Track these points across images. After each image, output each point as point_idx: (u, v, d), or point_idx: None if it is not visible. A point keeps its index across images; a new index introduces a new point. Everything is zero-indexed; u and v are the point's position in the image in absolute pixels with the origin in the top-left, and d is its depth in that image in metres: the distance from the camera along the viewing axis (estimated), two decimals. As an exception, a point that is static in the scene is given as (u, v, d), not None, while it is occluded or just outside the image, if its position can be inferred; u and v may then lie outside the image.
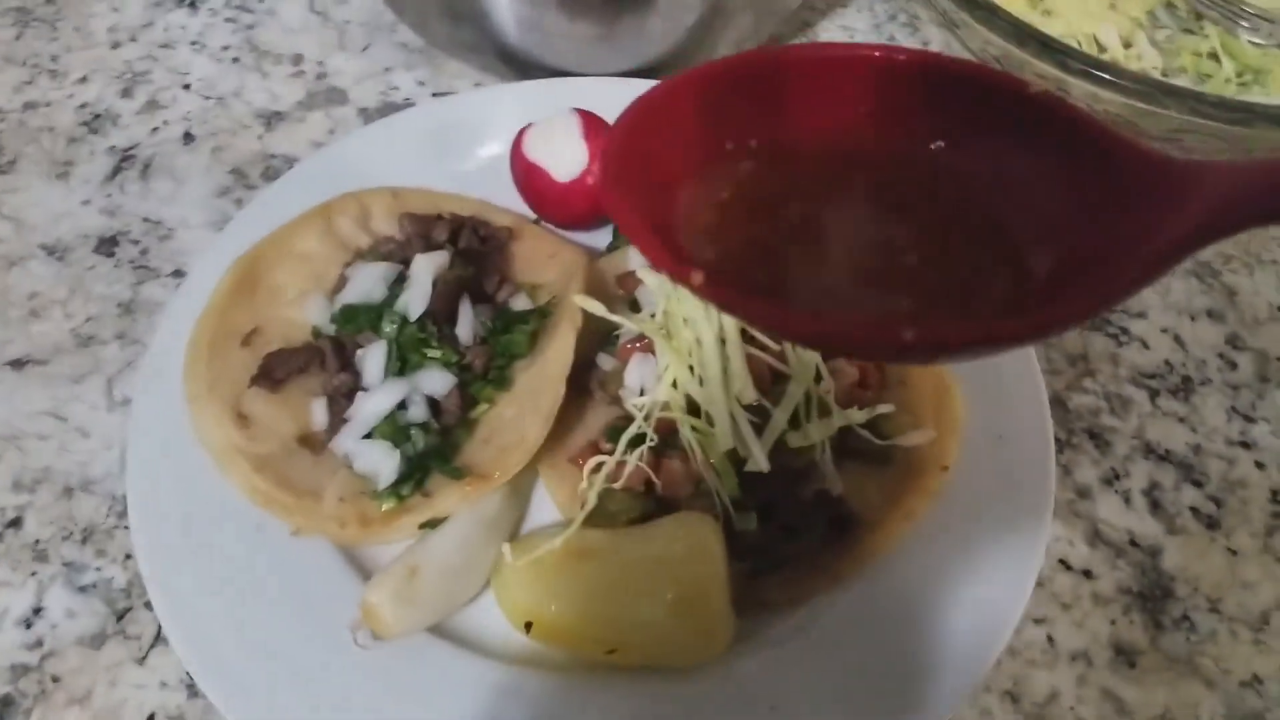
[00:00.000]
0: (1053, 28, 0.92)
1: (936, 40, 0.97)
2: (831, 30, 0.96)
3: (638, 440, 0.63)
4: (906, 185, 0.43)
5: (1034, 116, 0.41)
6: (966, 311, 0.39)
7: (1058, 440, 0.74)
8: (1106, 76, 0.81)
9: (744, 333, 0.64)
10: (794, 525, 0.63)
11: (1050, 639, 0.66)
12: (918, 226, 0.42)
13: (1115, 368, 0.78)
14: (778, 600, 0.62)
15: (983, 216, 0.41)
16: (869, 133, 0.45)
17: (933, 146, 0.44)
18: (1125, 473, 0.73)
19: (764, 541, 0.62)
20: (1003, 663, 0.64)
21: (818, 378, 0.64)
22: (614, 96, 0.79)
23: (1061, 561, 0.69)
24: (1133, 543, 0.69)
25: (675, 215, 0.43)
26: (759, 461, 0.61)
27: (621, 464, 0.62)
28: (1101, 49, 0.93)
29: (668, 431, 0.63)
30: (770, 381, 0.64)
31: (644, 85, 0.81)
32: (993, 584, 0.63)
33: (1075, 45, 0.89)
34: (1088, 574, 0.69)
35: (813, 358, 0.64)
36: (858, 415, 0.64)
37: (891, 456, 0.66)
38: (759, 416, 0.62)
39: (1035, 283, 0.39)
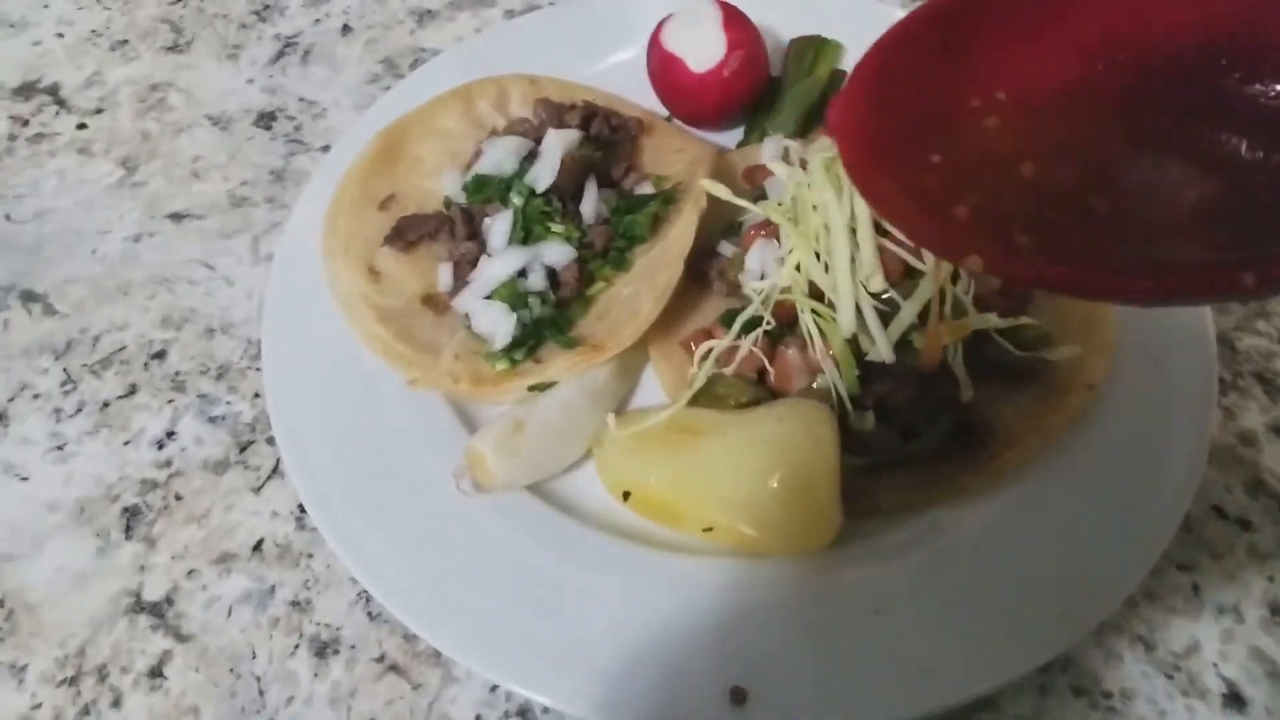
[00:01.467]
0: None
1: None
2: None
3: (754, 325, 0.59)
4: (1176, 113, 0.38)
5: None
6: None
7: (1222, 382, 0.66)
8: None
9: (877, 223, 0.60)
10: (915, 427, 0.58)
11: (1196, 587, 0.58)
12: (1203, 155, 0.37)
13: (1296, 312, 0.69)
14: (892, 506, 0.57)
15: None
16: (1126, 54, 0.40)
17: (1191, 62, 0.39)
18: (1298, 424, 0.64)
19: (880, 443, 0.58)
20: (1139, 605, 0.58)
21: (955, 277, 0.59)
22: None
23: (1215, 508, 0.61)
24: (1303, 490, 0.61)
25: (933, 179, 0.40)
26: (882, 351, 0.56)
27: (734, 349, 0.60)
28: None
29: (787, 318, 0.60)
30: (903, 274, 0.59)
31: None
32: (1132, 519, 0.56)
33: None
34: (1245, 524, 0.61)
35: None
36: (995, 320, 0.58)
37: (1033, 370, 0.60)
38: (888, 309, 0.57)
39: None
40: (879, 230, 0.60)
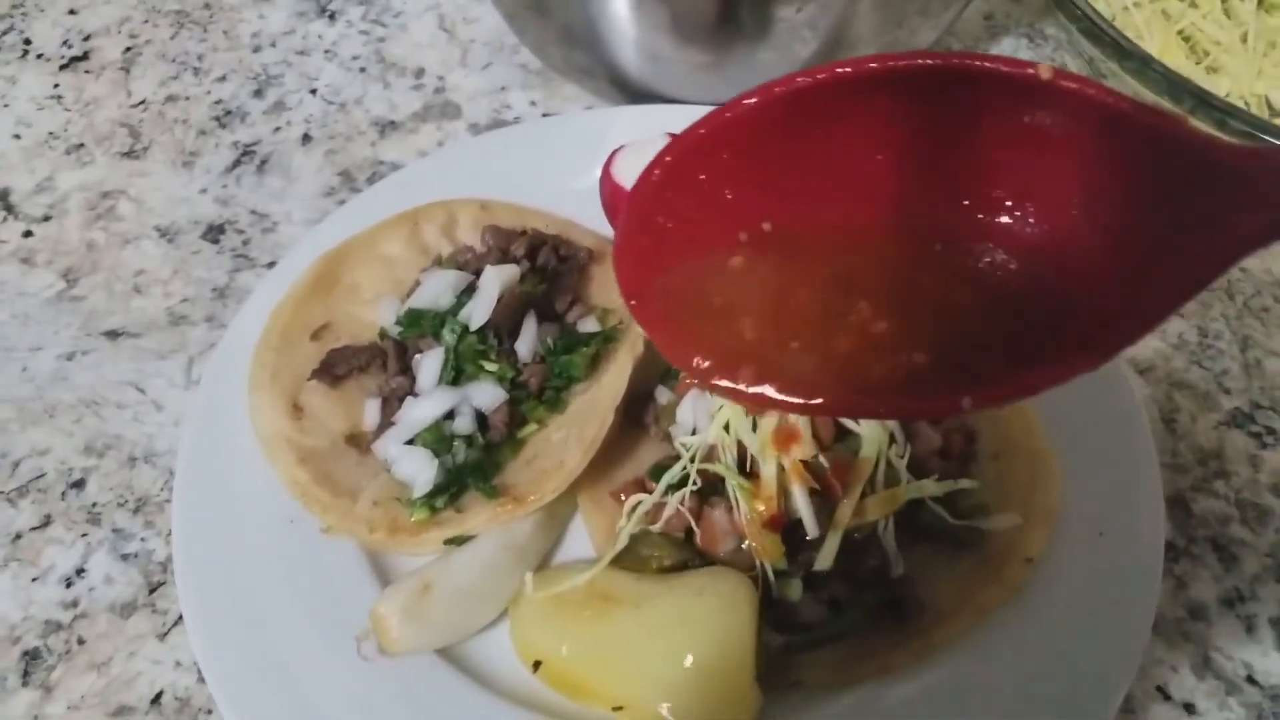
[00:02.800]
0: (1218, 85, 0.82)
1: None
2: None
3: (682, 483, 0.57)
4: (936, 234, 0.37)
5: (1065, 109, 0.35)
6: (1022, 356, 0.34)
7: (1173, 548, 0.63)
8: (1273, 140, 0.70)
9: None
10: (842, 602, 0.55)
11: (1138, 779, 0.55)
12: (957, 276, 0.36)
13: (1255, 471, 0.66)
14: (814, 682, 0.54)
15: (1029, 245, 0.34)
16: (890, 177, 0.39)
17: (957, 178, 0.38)
18: (1252, 595, 0.61)
19: (806, 615, 0.55)
20: (1076, 797, 0.54)
21: (891, 439, 0.56)
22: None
23: (1159, 689, 0.58)
24: (1251, 680, 0.57)
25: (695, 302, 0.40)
26: (809, 527, 0.53)
27: (661, 505, 0.57)
28: (1274, 112, 0.81)
29: (715, 477, 0.57)
30: (834, 436, 0.56)
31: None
32: (1069, 699, 0.53)
33: (1243, 106, 0.78)
34: (1189, 708, 0.57)
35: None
36: (932, 487, 0.56)
37: (968, 540, 0.57)
38: (816, 476, 0.55)
39: (1096, 304, 0.35)
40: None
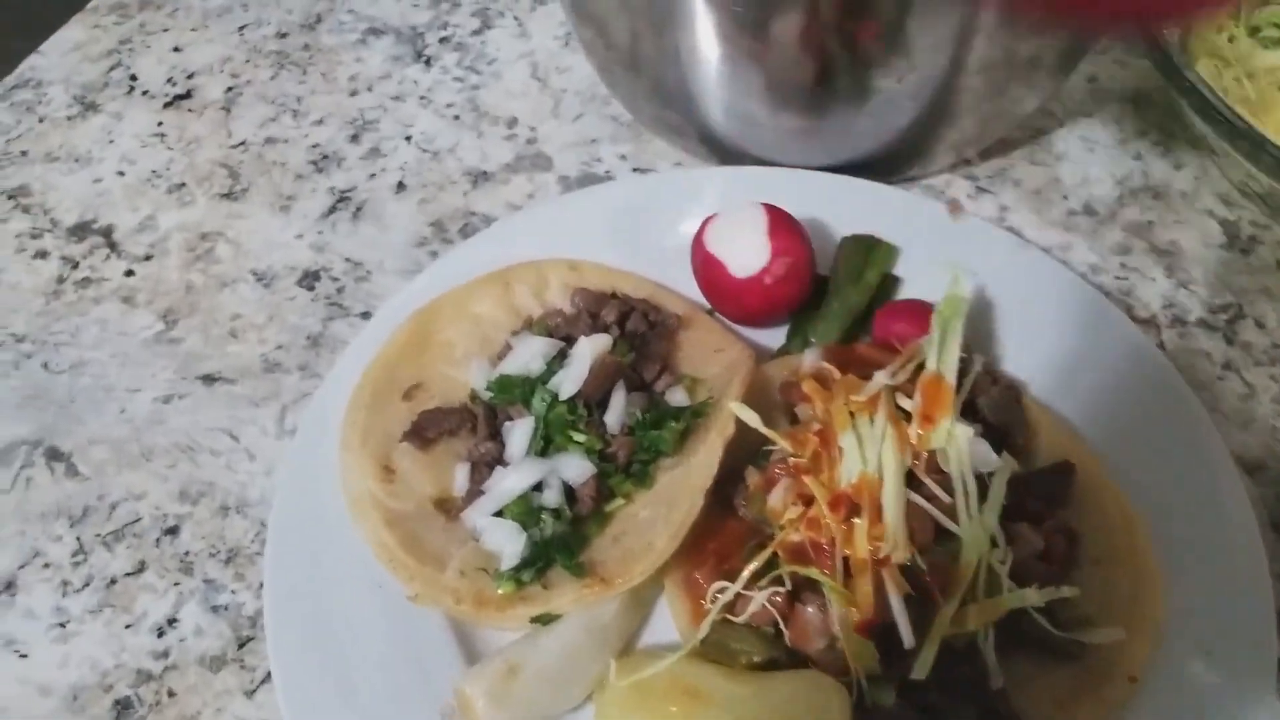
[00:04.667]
0: (1339, 170, 0.77)
1: (1191, 165, 0.84)
2: (1071, 140, 0.85)
3: (769, 572, 0.55)
4: None
5: None
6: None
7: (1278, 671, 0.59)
8: None
9: (911, 475, 0.56)
10: (938, 712, 0.53)
11: None
12: None
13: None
14: (906, 794, 0.52)
15: None
16: None
17: None
18: (1374, 723, 0.57)
19: (900, 720, 0.53)
20: None
21: (993, 542, 0.54)
22: (811, 191, 0.75)
23: (1271, 820, 0.54)
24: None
25: None
26: (904, 637, 0.51)
27: (747, 597, 0.55)
28: (1401, 200, 0.77)
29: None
30: (934, 538, 0.54)
31: (845, 182, 0.76)
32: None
33: (1368, 194, 0.74)
34: (1304, 843, 0.54)
35: (990, 518, 0.55)
36: (1034, 597, 0.53)
37: (1068, 652, 0.55)
38: (913, 581, 0.53)
39: None
40: (914, 483, 0.56)
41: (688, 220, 0.74)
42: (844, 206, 0.75)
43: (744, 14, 0.67)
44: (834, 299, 0.71)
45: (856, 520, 0.53)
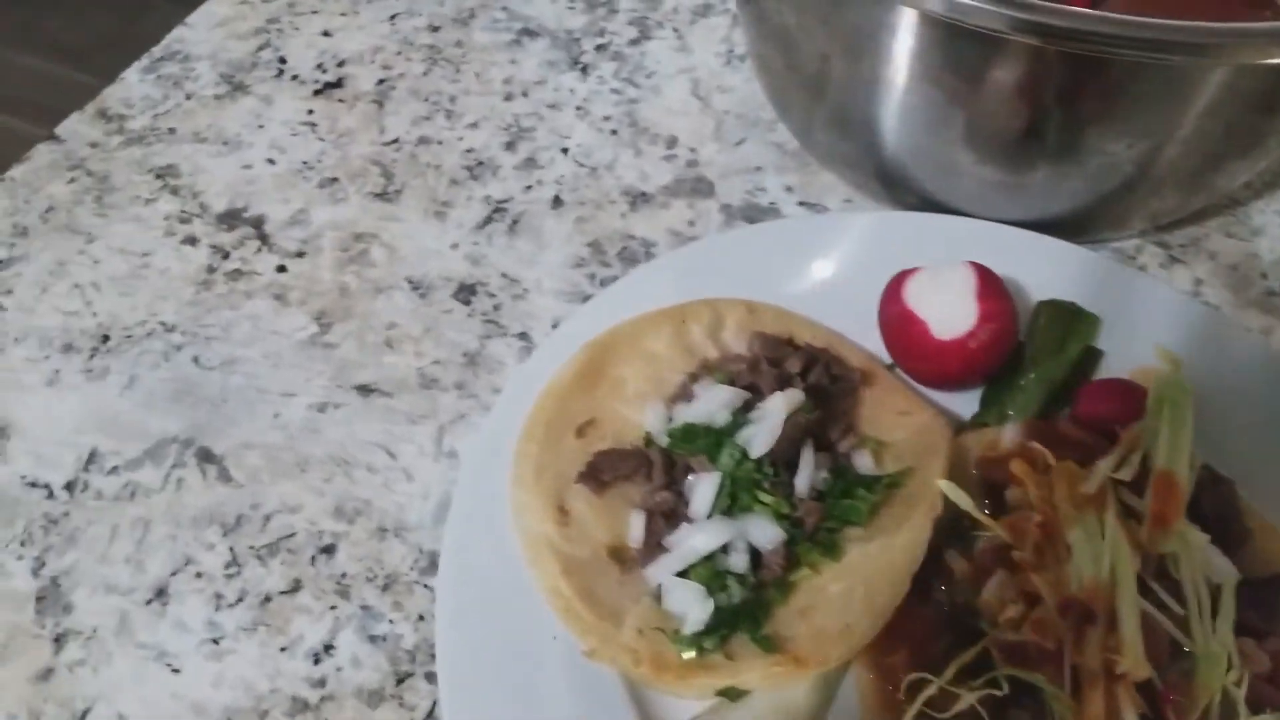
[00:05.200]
0: None
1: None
2: (1267, 214, 0.81)
3: (978, 672, 0.52)
4: None
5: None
6: None
7: None
8: None
9: (1142, 583, 0.52)
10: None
11: None
12: None
13: None
14: None
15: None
16: None
17: None
18: None
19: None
20: None
21: (1228, 665, 0.51)
22: (1003, 247, 0.71)
23: None
24: None
25: None
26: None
27: (952, 695, 0.52)
28: None
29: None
30: (1167, 655, 0.51)
31: (1040, 240, 0.72)
32: None
33: None
34: None
35: (1226, 633, 0.51)
36: (1269, 721, 0.50)
37: (1296, 781, 0.51)
38: (1147, 700, 0.49)
39: None
40: (1143, 591, 0.52)
41: (866, 263, 0.71)
42: (1037, 266, 0.71)
43: (959, 54, 0.63)
44: (1032, 369, 0.67)
45: (1090, 629, 0.50)
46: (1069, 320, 0.68)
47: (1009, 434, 0.61)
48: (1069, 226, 0.74)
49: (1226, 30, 0.55)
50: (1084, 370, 0.67)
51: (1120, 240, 0.78)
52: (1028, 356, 0.67)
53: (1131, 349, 0.66)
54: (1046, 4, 0.55)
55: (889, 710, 0.53)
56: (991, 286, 0.64)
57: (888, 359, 0.69)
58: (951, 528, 0.59)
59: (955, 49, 0.63)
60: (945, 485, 0.56)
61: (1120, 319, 0.68)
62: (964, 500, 0.56)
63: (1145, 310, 0.68)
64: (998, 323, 0.64)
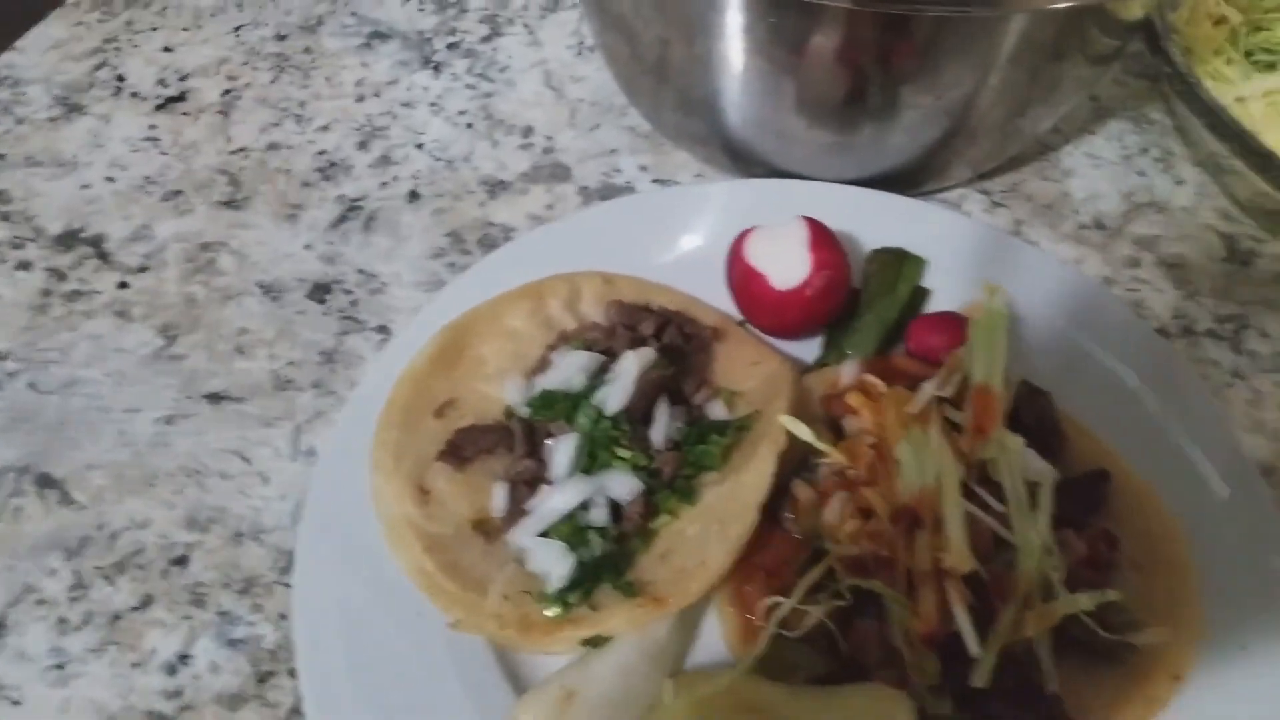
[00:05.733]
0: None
1: (1192, 181, 0.85)
2: (1078, 158, 0.86)
3: (825, 587, 0.53)
4: None
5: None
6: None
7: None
8: None
9: (966, 488, 0.54)
10: (996, 716, 0.51)
11: None
12: None
13: None
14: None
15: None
16: None
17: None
18: None
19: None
20: None
21: (1048, 550, 0.53)
22: (838, 204, 0.74)
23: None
24: None
25: None
26: (970, 646, 0.50)
27: (802, 612, 0.53)
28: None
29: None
30: (991, 548, 0.53)
31: (871, 195, 0.75)
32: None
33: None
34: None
35: (1043, 526, 0.54)
36: (1086, 601, 0.52)
37: (1115, 655, 0.54)
38: (974, 590, 0.51)
39: None
40: (967, 494, 0.54)
41: (717, 231, 0.72)
42: (869, 219, 0.74)
43: (781, 25, 0.66)
44: (867, 312, 0.69)
45: (919, 532, 0.52)
46: (898, 264, 0.71)
47: (847, 372, 0.64)
48: (899, 181, 0.78)
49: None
50: (915, 309, 0.70)
51: (947, 191, 0.82)
52: (863, 301, 0.70)
53: (959, 286, 0.70)
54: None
55: (749, 636, 0.55)
56: (823, 238, 0.67)
57: (739, 317, 0.70)
58: (801, 463, 0.61)
59: (778, 20, 0.65)
60: (786, 420, 0.58)
61: (948, 260, 0.72)
62: (803, 431, 0.57)
63: (970, 250, 0.72)
64: (831, 270, 0.66)
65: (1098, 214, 0.83)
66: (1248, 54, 0.89)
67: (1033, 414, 0.62)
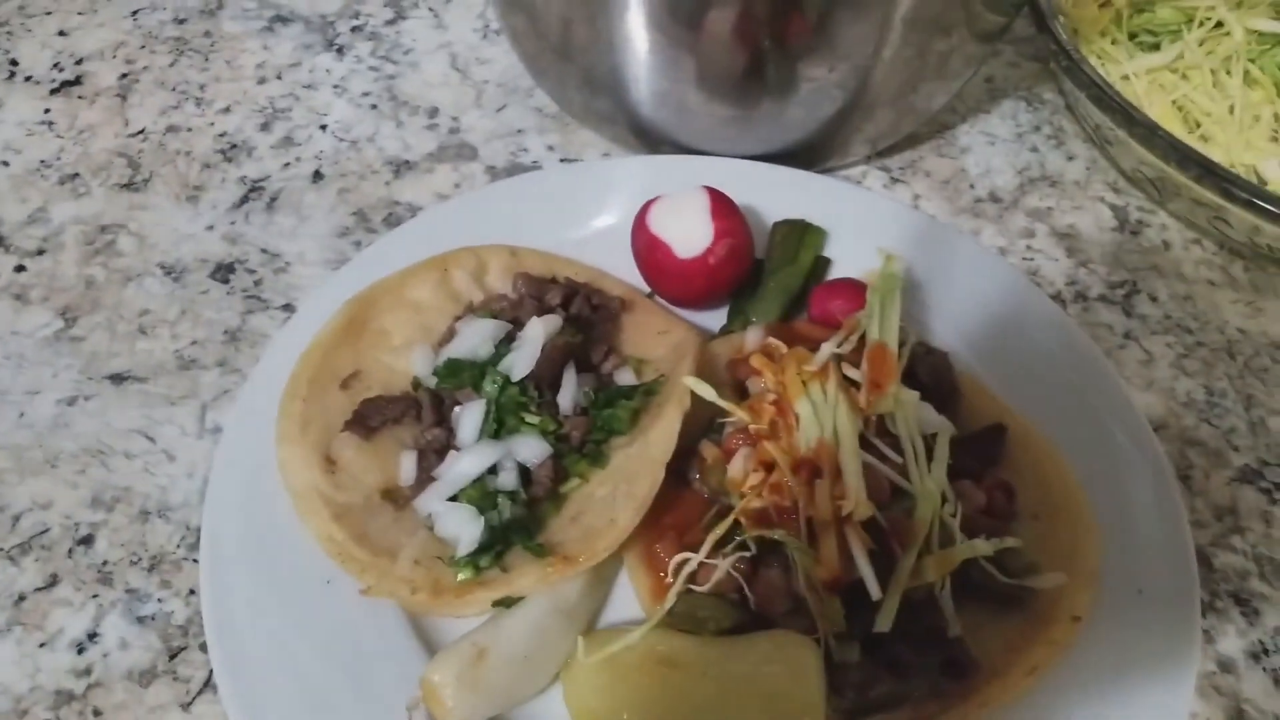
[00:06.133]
0: (1211, 153, 0.86)
1: (1082, 156, 0.91)
2: (973, 135, 0.91)
3: (730, 542, 0.57)
4: None
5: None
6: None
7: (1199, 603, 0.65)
8: (1274, 210, 0.74)
9: (862, 439, 0.58)
10: (903, 663, 0.55)
11: (1181, 833, 0.56)
12: None
13: (1268, 527, 0.69)
14: (876, 746, 0.54)
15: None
16: None
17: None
18: (1275, 648, 0.63)
19: (867, 677, 0.55)
20: None
21: (943, 498, 0.57)
22: (741, 179, 0.78)
23: (1200, 744, 0.59)
24: (1290, 736, 0.60)
25: None
26: (871, 590, 0.54)
27: (710, 566, 0.56)
28: (1263, 182, 0.86)
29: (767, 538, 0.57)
30: (889, 496, 0.57)
31: (774, 170, 0.79)
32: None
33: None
34: (1229, 764, 0.59)
35: (940, 475, 0.58)
36: (984, 547, 0.57)
37: (1016, 599, 0.58)
38: (874, 537, 0.55)
39: None
40: (865, 445, 0.58)
41: (623, 207, 0.75)
42: (773, 193, 0.78)
43: (679, 2, 0.69)
44: (771, 280, 0.73)
45: (819, 482, 0.55)
46: (800, 234, 0.75)
47: (752, 337, 0.67)
48: (801, 157, 0.82)
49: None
50: (817, 277, 0.74)
51: (848, 168, 0.87)
52: (767, 271, 0.74)
53: (860, 256, 0.74)
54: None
55: (659, 592, 0.57)
56: (724, 206, 0.70)
57: (646, 289, 0.74)
58: (707, 425, 0.64)
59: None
60: (690, 381, 0.61)
61: (848, 231, 0.76)
62: (707, 391, 0.60)
63: (869, 221, 0.77)
64: (733, 238, 0.70)
65: (993, 188, 0.89)
66: (1132, 35, 0.96)
67: (929, 371, 0.66)
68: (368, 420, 0.63)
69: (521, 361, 0.63)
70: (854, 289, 0.70)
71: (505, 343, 0.65)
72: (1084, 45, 0.91)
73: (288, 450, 0.61)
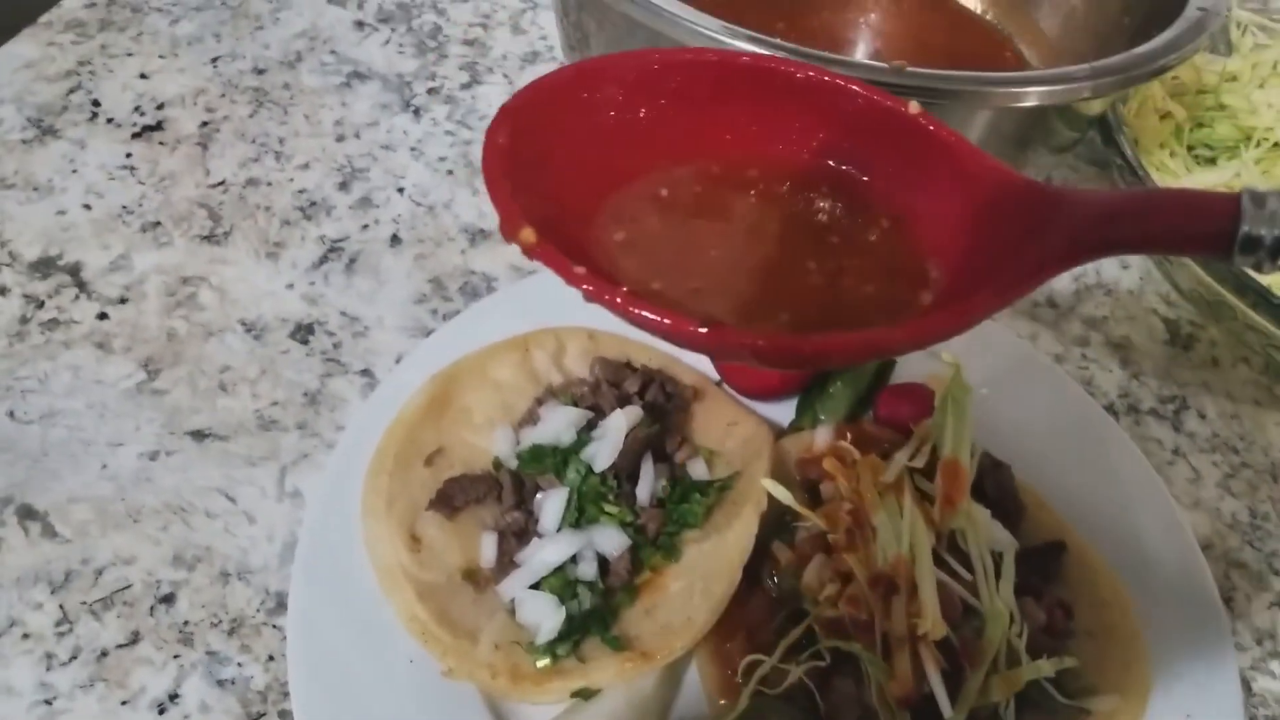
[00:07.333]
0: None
1: (1137, 265, 0.98)
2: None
3: (803, 647, 0.62)
4: (808, 208, 0.52)
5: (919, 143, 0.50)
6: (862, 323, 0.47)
7: (1244, 730, 0.70)
8: None
9: (936, 556, 0.64)
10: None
11: None
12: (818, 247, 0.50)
13: (1310, 658, 0.75)
14: None
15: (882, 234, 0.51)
16: (778, 151, 0.53)
17: (840, 168, 0.53)
18: (1313, 779, 0.69)
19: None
20: None
21: (1010, 619, 0.63)
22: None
23: None
24: None
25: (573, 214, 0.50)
26: (944, 709, 0.59)
27: (781, 670, 0.62)
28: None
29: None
30: (960, 614, 0.62)
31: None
32: None
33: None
34: None
35: (1008, 594, 0.63)
36: (1048, 667, 0.62)
37: (1072, 718, 0.64)
38: (946, 655, 0.60)
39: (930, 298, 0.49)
40: (937, 562, 0.64)
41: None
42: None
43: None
44: (838, 378, 0.79)
45: (894, 598, 0.61)
46: (872, 335, 0.81)
47: (821, 436, 0.73)
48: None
49: (980, 78, 0.70)
50: (882, 378, 0.80)
51: (916, 263, 0.93)
52: (833, 370, 0.79)
53: (923, 359, 0.79)
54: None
55: (729, 692, 0.62)
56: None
57: (716, 377, 0.80)
58: (778, 523, 0.69)
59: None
60: (768, 483, 0.67)
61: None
62: (785, 495, 0.66)
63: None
64: (810, 337, 0.75)
65: (1051, 293, 0.95)
66: (1190, 149, 1.03)
67: (995, 485, 0.72)
68: (453, 500, 0.68)
69: (604, 452, 0.68)
70: (921, 394, 0.76)
71: (586, 430, 0.71)
72: (1144, 156, 0.98)
73: (373, 525, 0.66)
